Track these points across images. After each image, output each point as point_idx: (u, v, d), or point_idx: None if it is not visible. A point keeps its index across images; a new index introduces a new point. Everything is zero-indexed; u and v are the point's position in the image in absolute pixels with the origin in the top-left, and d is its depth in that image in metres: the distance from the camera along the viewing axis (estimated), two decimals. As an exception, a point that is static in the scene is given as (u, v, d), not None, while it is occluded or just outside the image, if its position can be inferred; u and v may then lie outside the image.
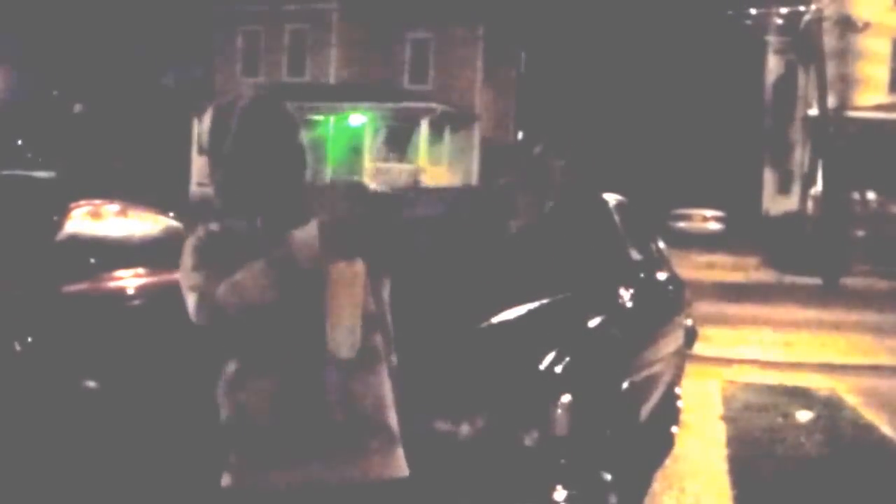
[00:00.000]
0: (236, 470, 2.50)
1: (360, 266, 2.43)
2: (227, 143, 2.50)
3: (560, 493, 3.70)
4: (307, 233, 2.37)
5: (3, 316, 4.69)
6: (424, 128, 36.07)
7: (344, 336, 2.41)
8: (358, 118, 35.99)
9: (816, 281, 21.44)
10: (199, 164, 35.52)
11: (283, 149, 2.54)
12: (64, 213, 5.69)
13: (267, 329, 2.45)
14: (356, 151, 35.40)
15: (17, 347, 4.54)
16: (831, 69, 27.48)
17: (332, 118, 35.14)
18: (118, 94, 39.46)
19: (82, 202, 5.92)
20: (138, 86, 39.26)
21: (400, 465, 2.55)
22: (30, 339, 4.61)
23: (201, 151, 35.75)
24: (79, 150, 37.19)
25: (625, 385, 4.58)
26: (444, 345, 4.01)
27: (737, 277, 23.19)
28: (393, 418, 2.56)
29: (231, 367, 2.51)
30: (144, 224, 6.57)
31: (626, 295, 5.28)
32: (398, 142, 37.38)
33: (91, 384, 4.36)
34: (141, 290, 5.77)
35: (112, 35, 39.47)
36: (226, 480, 2.51)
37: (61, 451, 4.22)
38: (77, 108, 40.81)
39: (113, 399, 4.22)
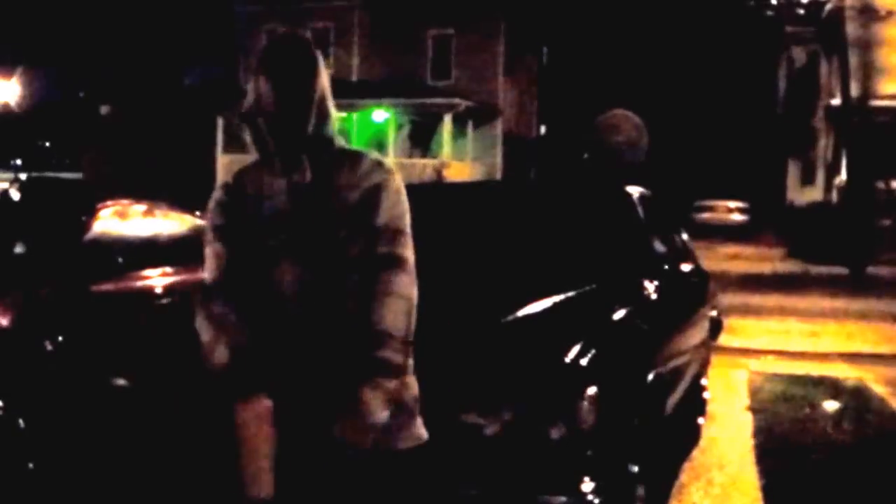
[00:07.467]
0: None
1: (265, 404, 2.43)
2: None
3: (587, 485, 3.71)
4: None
5: (33, 316, 4.74)
6: (447, 123, 36.11)
7: (258, 474, 2.42)
8: (381, 114, 36.07)
9: (842, 271, 21.28)
10: (223, 163, 35.63)
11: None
12: (92, 213, 5.75)
13: None
14: (380, 147, 35.47)
15: (49, 347, 4.59)
16: (854, 58, 27.26)
17: (355, 115, 35.21)
18: (143, 95, 39.63)
19: (109, 202, 5.98)
20: (162, 86, 39.42)
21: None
22: (60, 339, 4.65)
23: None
24: (106, 150, 37.37)
25: (650, 377, 4.58)
26: (470, 339, 4.04)
27: (762, 268, 23.07)
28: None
29: None
30: (170, 223, 6.62)
31: (650, 287, 5.28)
32: (421, 137, 37.47)
33: (121, 382, 4.40)
34: (168, 289, 5.82)
35: (136, 35, 39.66)
36: None
37: (92, 449, 4.26)
38: (104, 109, 40.97)
39: (142, 396, 4.27)
